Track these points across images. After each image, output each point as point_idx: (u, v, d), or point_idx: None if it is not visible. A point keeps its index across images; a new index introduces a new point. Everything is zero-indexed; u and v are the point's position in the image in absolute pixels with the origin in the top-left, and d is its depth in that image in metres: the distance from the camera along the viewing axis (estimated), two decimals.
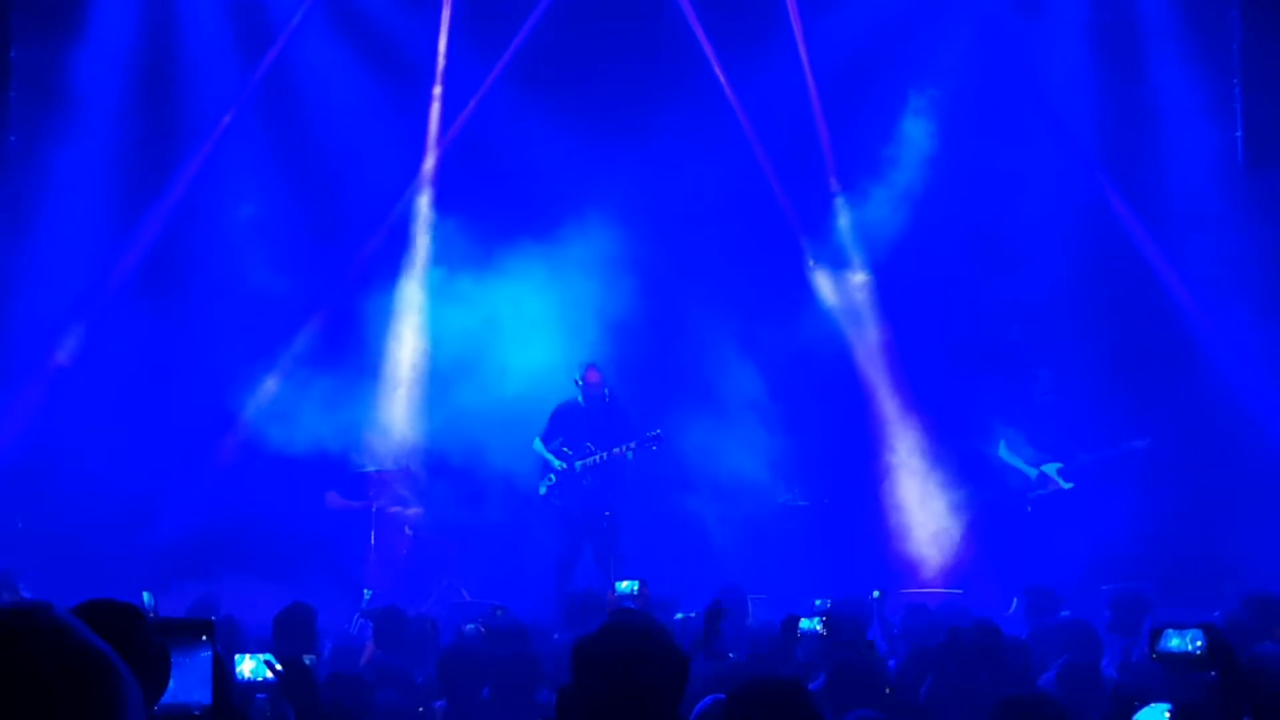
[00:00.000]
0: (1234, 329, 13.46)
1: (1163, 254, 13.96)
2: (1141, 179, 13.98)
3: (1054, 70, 14.21)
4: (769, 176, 14.67)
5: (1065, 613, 9.19)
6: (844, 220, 14.58)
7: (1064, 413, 13.40)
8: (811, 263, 14.47)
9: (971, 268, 14.18)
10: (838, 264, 14.61)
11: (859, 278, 14.49)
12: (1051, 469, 13.27)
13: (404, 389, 14.43)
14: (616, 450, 12.86)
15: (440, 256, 14.55)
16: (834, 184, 14.64)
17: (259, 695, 4.80)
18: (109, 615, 2.93)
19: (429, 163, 14.80)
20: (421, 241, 14.70)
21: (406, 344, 14.55)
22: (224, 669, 3.24)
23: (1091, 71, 14.10)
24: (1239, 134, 13.67)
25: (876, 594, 9.77)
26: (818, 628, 6.51)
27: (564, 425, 13.17)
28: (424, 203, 14.80)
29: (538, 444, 13.24)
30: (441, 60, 14.83)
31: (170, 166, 14.50)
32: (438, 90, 14.80)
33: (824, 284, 14.56)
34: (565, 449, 13.08)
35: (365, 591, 12.81)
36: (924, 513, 13.87)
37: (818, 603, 9.42)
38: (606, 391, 12.97)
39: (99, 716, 1.64)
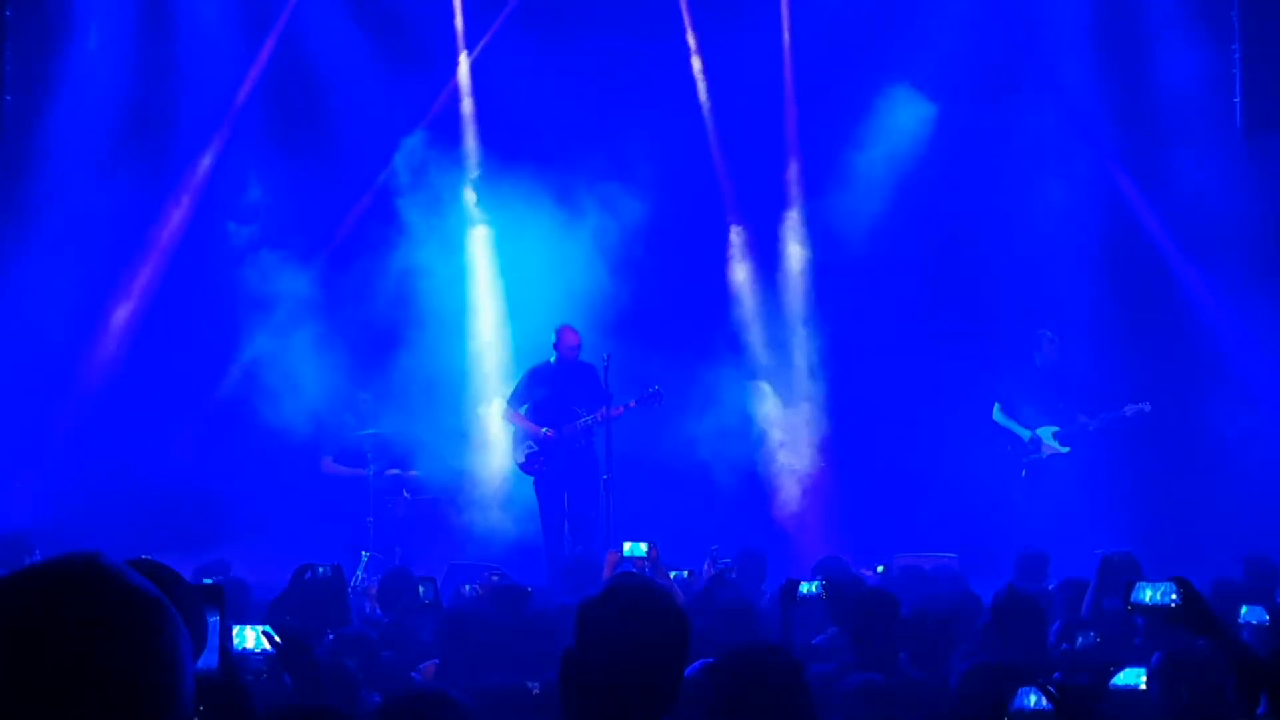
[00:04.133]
0: (1232, 293, 13.47)
1: (1161, 219, 13.96)
2: (1140, 144, 13.97)
3: (1052, 36, 14.18)
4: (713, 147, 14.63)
5: (1051, 584, 9.18)
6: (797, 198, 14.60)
7: (1064, 376, 13.34)
8: None
9: (970, 235, 14.19)
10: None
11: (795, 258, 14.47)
12: (1047, 433, 13.22)
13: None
14: (619, 406, 12.36)
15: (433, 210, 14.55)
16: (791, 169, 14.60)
17: (256, 664, 4.84)
18: (150, 576, 2.89)
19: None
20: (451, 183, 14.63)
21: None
22: (227, 637, 3.23)
23: (1090, 36, 14.06)
24: (1238, 100, 13.63)
25: (881, 569, 9.78)
26: (815, 591, 6.51)
27: (536, 388, 12.73)
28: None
29: (506, 408, 12.83)
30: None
31: (172, 132, 14.37)
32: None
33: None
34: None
35: (363, 554, 12.85)
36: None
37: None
38: (572, 359, 12.52)
39: (155, 659, 1.67)
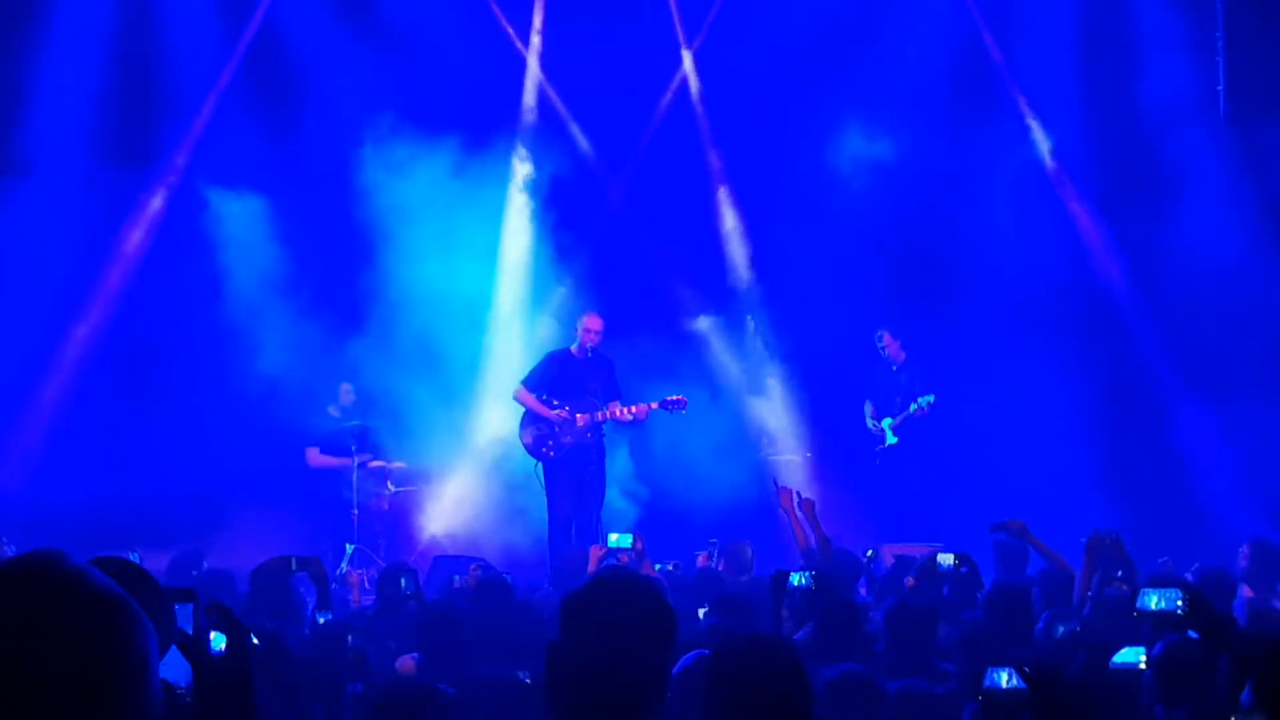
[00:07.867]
0: (1215, 283, 13.47)
1: (1141, 210, 13.97)
2: (1120, 132, 13.96)
3: (1031, 21, 14.16)
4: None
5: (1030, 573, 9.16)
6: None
7: (906, 371, 13.54)
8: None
9: (944, 232, 14.18)
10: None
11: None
12: (887, 424, 13.60)
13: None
14: (642, 406, 12.10)
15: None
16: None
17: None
18: (115, 574, 2.80)
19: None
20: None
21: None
22: (202, 640, 3.06)
23: (1072, 22, 14.03)
24: (1221, 88, 13.61)
25: (870, 554, 9.80)
26: (803, 582, 6.49)
27: (554, 375, 12.27)
28: None
29: (520, 389, 12.34)
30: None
31: (151, 109, 14.29)
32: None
33: None
34: (554, 401, 12.18)
35: (347, 546, 12.84)
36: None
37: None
38: (594, 346, 12.18)
39: (119, 658, 1.65)
